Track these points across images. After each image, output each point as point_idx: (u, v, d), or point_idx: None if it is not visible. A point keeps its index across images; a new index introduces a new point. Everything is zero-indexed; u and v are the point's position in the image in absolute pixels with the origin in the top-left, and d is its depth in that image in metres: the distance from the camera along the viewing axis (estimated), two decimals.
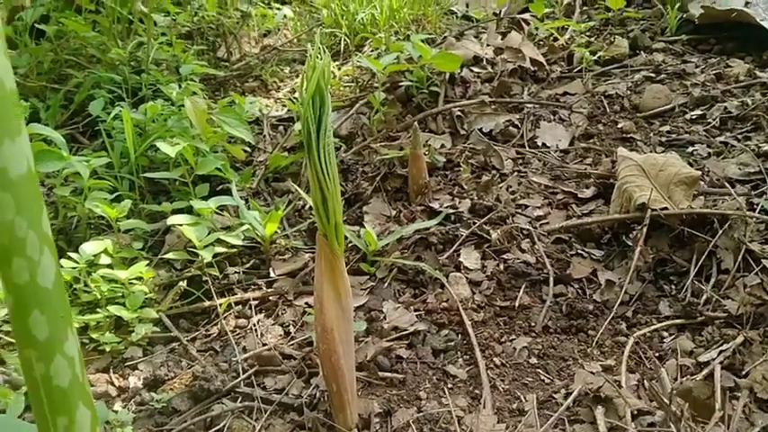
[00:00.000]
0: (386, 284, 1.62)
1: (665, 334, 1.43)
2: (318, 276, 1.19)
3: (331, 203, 1.12)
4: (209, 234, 1.64)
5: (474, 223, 1.75)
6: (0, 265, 0.57)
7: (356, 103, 2.26)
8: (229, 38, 2.66)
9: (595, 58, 2.49)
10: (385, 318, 1.51)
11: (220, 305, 1.58)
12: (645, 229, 1.59)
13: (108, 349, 1.49)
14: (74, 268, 1.58)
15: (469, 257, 1.66)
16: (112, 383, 1.44)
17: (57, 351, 0.60)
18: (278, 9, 2.95)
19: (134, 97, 2.23)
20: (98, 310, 1.56)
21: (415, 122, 1.94)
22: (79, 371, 0.62)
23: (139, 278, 1.60)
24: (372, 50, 2.52)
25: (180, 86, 2.04)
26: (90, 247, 1.61)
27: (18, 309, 0.58)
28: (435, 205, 1.84)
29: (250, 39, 2.83)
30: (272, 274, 1.68)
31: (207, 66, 2.37)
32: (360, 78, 2.48)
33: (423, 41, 2.17)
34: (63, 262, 1.56)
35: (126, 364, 1.48)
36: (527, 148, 2.12)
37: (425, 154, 1.95)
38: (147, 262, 1.64)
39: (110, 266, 1.62)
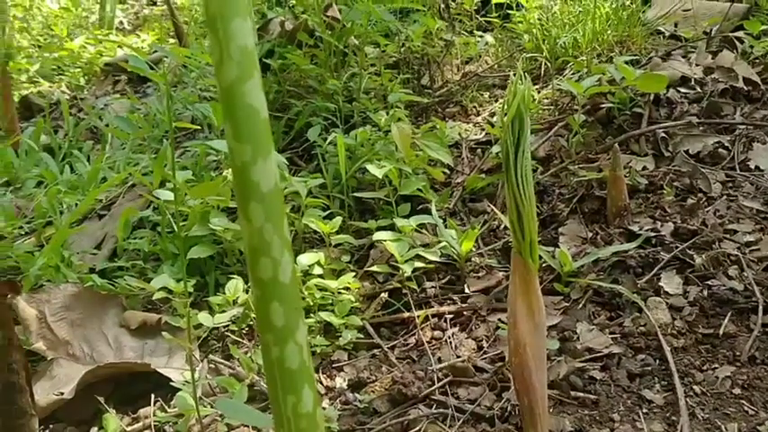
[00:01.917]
0: (580, 306, 1.62)
1: None
2: (513, 292, 1.23)
3: (526, 221, 1.17)
4: (409, 250, 1.75)
5: (676, 247, 1.70)
6: (250, 263, 0.70)
7: (555, 126, 2.27)
8: (433, 66, 2.79)
9: None
10: (578, 338, 1.52)
11: (418, 317, 1.68)
12: None
13: (318, 351, 1.64)
14: None
15: (671, 282, 1.61)
16: (321, 383, 1.59)
17: (290, 338, 0.71)
18: (480, 37, 3.05)
19: (346, 124, 2.43)
20: (310, 315, 1.73)
21: (616, 144, 1.92)
22: (306, 357, 0.73)
23: (347, 288, 1.75)
24: (573, 73, 2.52)
25: (387, 113, 2.19)
26: (305, 259, 1.79)
27: (261, 300, 0.70)
28: (635, 228, 1.81)
29: (452, 66, 2.95)
30: (466, 290, 1.75)
31: (411, 93, 2.52)
32: (559, 101, 2.49)
33: (626, 63, 2.15)
34: None
35: (333, 365, 1.62)
36: (738, 171, 2.01)
37: (626, 176, 1.92)
38: (354, 274, 1.79)
39: (321, 276, 1.78)
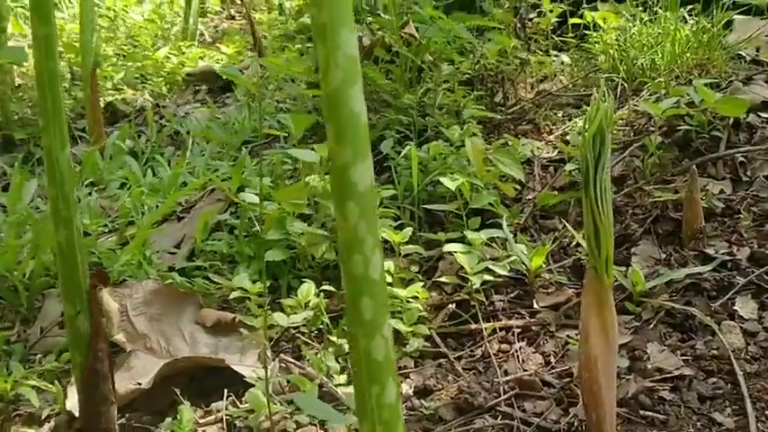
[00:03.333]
0: (651, 326, 1.61)
1: None
2: (585, 307, 1.25)
3: (603, 237, 1.18)
4: (479, 262, 1.77)
5: (752, 272, 1.67)
6: (343, 259, 0.74)
7: (629, 147, 2.26)
8: (507, 84, 2.81)
9: None
10: (649, 358, 1.51)
11: (485, 329, 1.70)
12: None
13: None
14: None
15: (745, 307, 1.59)
16: None
17: (377, 331, 0.75)
18: (555, 56, 3.05)
19: (419, 138, 2.47)
20: None
21: (693, 166, 1.90)
22: (390, 350, 0.77)
23: (415, 297, 1.78)
24: (650, 95, 2.50)
25: (460, 128, 2.22)
26: None
27: (352, 294, 0.75)
28: (710, 251, 1.78)
29: (526, 84, 2.96)
30: (535, 306, 1.76)
31: (484, 110, 2.54)
32: (635, 122, 2.48)
33: (706, 86, 2.13)
34: None
35: (400, 371, 1.65)
36: None
37: (702, 198, 1.90)
38: (423, 284, 1.82)
39: (390, 284, 1.82)
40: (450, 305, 1.80)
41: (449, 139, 2.31)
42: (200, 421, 1.59)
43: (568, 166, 2.17)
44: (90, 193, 2.70)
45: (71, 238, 1.38)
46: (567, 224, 1.93)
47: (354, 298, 0.74)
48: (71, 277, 1.42)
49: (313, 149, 1.97)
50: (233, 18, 5.98)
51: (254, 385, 1.63)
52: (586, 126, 1.15)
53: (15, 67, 4.40)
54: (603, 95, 1.13)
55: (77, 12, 4.38)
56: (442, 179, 1.89)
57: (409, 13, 2.89)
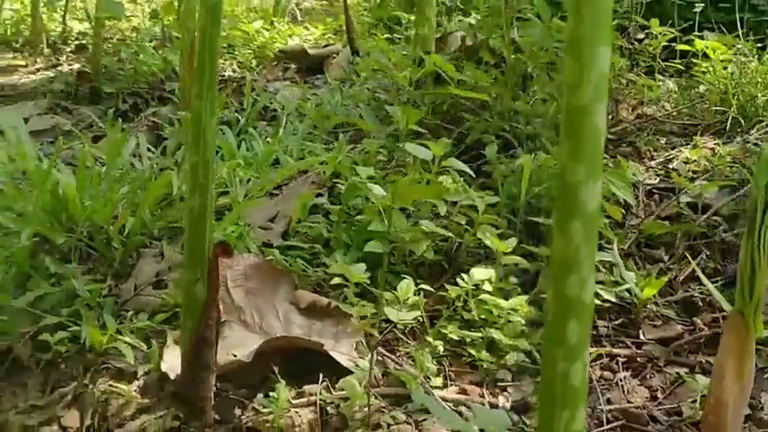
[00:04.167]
0: (766, 375, 1.56)
1: None
2: (724, 350, 1.21)
3: (759, 281, 1.14)
4: None
5: None
6: (556, 278, 0.72)
7: (743, 185, 2.20)
8: (611, 102, 2.77)
9: None
10: (762, 408, 1.46)
11: (590, 353, 1.66)
12: None
13: (484, 366, 1.65)
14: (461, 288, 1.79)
15: None
16: (483, 397, 1.60)
17: (579, 356, 0.73)
18: (661, 81, 2.99)
19: (519, 146, 2.44)
20: (472, 329, 1.74)
21: None
22: (586, 376, 0.74)
23: (515, 310, 1.75)
24: (765, 133, 2.44)
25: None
26: (478, 273, 1.81)
27: (559, 315, 0.73)
28: None
29: (628, 106, 2.91)
30: (641, 337, 1.72)
31: None
32: (744, 160, 2.41)
33: None
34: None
35: (497, 384, 1.63)
36: None
37: None
38: (525, 297, 1.79)
39: (490, 293, 1.80)
40: None
41: (548, 150, 2.28)
42: (293, 402, 1.58)
43: (683, 198, 2.11)
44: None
45: (204, 206, 1.39)
46: (690, 259, 1.86)
47: (560, 319, 0.72)
48: (197, 244, 1.43)
49: (426, 146, 1.95)
50: None
51: (349, 373, 1.62)
52: (754, 168, 1.12)
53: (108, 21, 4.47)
54: None
55: None
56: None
57: (519, 16, 2.86)
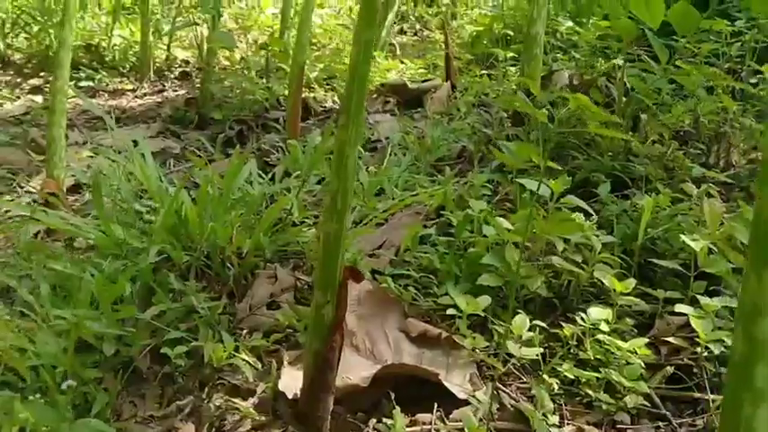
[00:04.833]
0: None
1: None
2: None
3: None
4: (713, 330, 1.69)
5: None
6: (747, 319, 0.71)
7: None
8: (723, 145, 2.70)
9: None
10: None
11: (713, 401, 1.61)
12: None
13: (603, 408, 1.63)
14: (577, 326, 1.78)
15: None
16: None
17: (765, 401, 0.72)
18: None
19: (629, 187, 2.41)
20: (587, 369, 1.72)
21: None
22: None
23: (634, 351, 1.72)
24: None
25: (699, 186, 2.15)
26: (595, 313, 1.79)
27: (748, 358, 0.72)
28: None
29: (739, 149, 2.83)
30: None
31: (707, 170, 2.45)
32: None
33: None
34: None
35: (615, 425, 1.60)
36: None
37: None
38: (646, 339, 1.76)
39: (608, 334, 1.77)
40: (668, 367, 1.73)
41: (659, 191, 2.25)
42: (407, 429, 1.59)
43: None
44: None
45: (339, 232, 1.43)
46: None
47: (749, 362, 0.71)
48: (329, 268, 1.47)
49: (542, 182, 1.96)
50: (415, 34, 6.12)
51: (463, 403, 1.63)
52: None
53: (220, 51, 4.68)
54: None
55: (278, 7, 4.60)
56: (684, 237, 1.82)
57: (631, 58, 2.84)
